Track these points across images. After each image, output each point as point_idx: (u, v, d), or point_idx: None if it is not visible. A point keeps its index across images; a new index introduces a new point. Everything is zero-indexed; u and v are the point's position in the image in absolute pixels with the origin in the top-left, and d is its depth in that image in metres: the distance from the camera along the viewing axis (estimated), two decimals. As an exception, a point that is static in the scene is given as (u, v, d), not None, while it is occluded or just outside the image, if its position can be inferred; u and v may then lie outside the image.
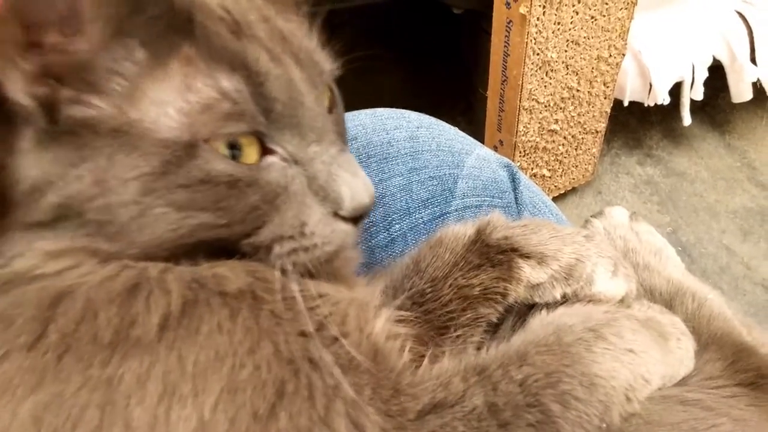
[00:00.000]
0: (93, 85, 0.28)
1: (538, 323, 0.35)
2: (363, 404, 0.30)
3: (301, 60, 0.33)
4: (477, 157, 0.57)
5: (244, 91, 0.29)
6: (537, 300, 0.37)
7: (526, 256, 0.37)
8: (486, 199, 0.55)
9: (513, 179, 0.58)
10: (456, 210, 0.54)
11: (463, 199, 0.55)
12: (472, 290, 0.37)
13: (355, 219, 0.35)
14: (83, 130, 0.28)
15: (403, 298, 0.38)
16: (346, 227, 0.34)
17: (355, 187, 0.34)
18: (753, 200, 1.26)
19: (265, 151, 0.31)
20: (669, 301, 0.47)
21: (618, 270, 0.38)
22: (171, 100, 0.29)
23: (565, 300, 0.38)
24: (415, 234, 0.54)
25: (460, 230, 0.39)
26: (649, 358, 0.34)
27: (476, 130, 1.16)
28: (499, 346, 0.34)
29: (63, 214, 0.29)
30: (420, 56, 1.46)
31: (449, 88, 1.34)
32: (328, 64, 0.35)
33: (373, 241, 0.52)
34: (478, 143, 0.60)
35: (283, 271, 0.33)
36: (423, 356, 0.34)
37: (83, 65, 0.28)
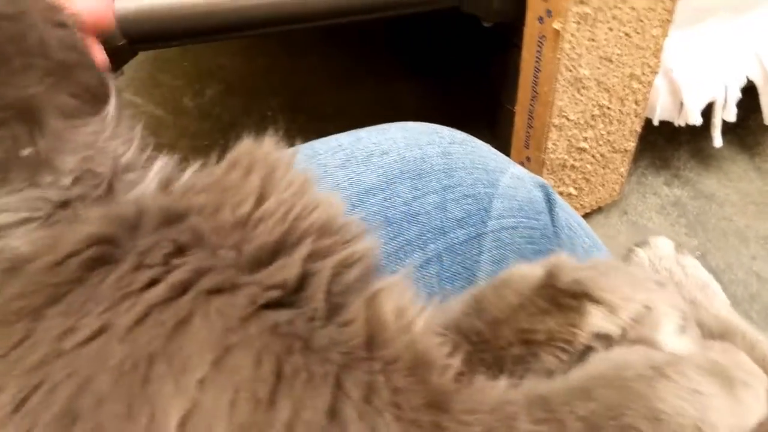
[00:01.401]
0: None
1: (598, 359, 0.33)
2: (378, 407, 0.27)
3: None
4: (511, 176, 0.55)
5: None
6: (600, 348, 0.35)
7: (598, 302, 0.34)
8: (522, 220, 0.53)
9: (548, 200, 0.56)
10: (492, 231, 0.52)
11: (499, 219, 0.53)
12: (536, 335, 0.34)
13: None
14: None
15: (458, 336, 0.35)
16: None
17: None
18: (784, 226, 1.23)
19: None
20: (719, 339, 0.45)
21: (687, 327, 0.35)
22: None
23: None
24: (451, 255, 0.52)
25: (526, 271, 0.37)
26: (716, 403, 0.32)
27: (501, 146, 1.13)
28: (557, 379, 0.31)
29: None
30: (442, 68, 1.45)
31: (472, 101, 1.32)
32: None
33: (407, 260, 0.50)
34: (511, 161, 0.58)
35: None
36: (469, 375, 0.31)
37: None
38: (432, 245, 0.51)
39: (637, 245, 0.52)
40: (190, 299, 0.29)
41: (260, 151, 0.36)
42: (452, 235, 0.51)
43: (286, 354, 0.28)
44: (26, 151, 0.32)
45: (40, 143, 0.32)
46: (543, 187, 0.55)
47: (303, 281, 0.31)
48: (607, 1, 0.83)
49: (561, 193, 1.10)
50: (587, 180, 1.10)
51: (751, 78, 1.12)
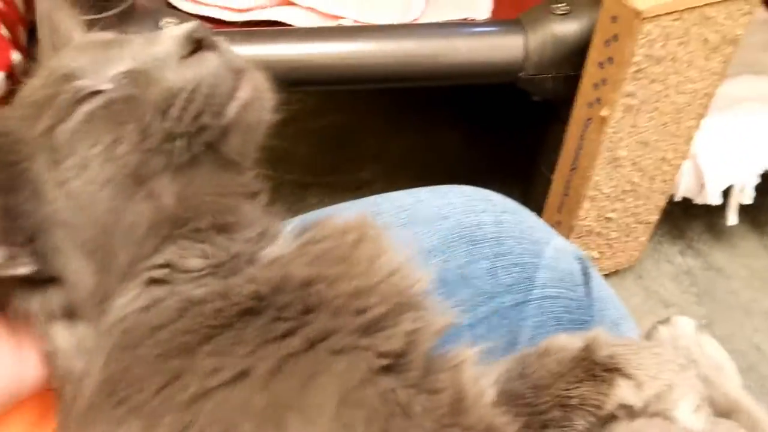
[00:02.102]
0: None
1: (621, 428, 0.40)
2: None
3: None
4: (554, 248, 0.61)
5: None
6: (622, 416, 0.42)
7: (627, 377, 0.41)
8: (562, 290, 0.60)
9: (585, 273, 0.62)
10: (536, 299, 0.59)
11: (542, 289, 0.59)
12: (570, 400, 0.41)
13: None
14: None
15: (507, 401, 0.42)
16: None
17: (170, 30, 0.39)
18: (786, 304, 1.31)
19: None
20: (726, 416, 0.52)
21: (702, 408, 0.43)
22: None
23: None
24: (498, 318, 0.58)
25: (567, 342, 0.44)
26: None
27: (533, 207, 1.21)
28: None
29: None
30: (484, 124, 1.53)
31: (508, 159, 1.41)
32: None
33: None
34: (554, 232, 0.65)
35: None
36: None
37: None
38: (482, 308, 0.57)
39: (660, 323, 0.59)
40: (319, 356, 0.35)
41: (366, 224, 0.44)
42: (500, 300, 0.58)
43: (391, 417, 0.34)
44: (231, 218, 0.41)
45: (239, 214, 0.41)
46: (581, 260, 0.62)
47: (406, 350, 0.38)
48: (652, 95, 0.92)
49: (585, 256, 1.19)
50: (610, 246, 1.19)
51: (769, 167, 1.21)
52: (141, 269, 0.37)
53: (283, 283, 0.38)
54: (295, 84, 0.91)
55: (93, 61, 0.38)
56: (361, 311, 0.38)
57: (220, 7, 0.91)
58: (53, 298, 0.37)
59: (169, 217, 0.37)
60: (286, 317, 0.37)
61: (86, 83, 0.37)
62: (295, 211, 0.48)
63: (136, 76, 0.37)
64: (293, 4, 0.92)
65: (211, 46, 0.39)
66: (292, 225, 0.45)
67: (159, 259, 0.38)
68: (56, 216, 0.36)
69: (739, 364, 1.23)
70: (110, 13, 0.79)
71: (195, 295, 0.37)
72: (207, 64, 0.37)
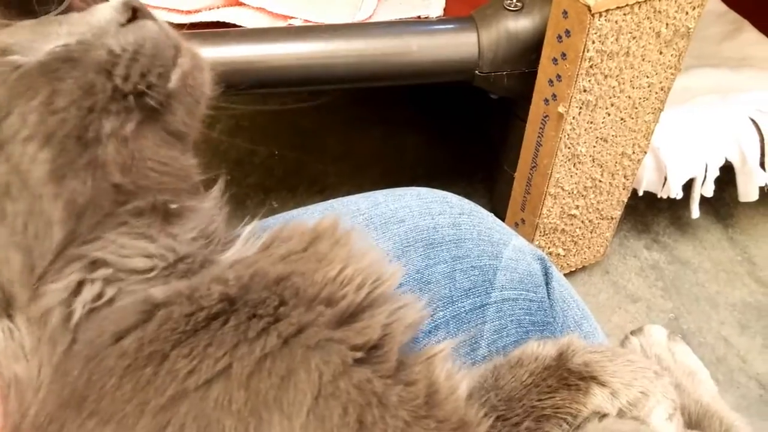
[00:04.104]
0: None
1: (593, 429, 0.40)
2: None
3: None
4: (513, 249, 0.60)
5: None
6: (595, 420, 0.42)
7: (602, 385, 0.41)
8: (522, 292, 0.58)
9: (546, 273, 0.61)
10: (495, 302, 0.57)
11: (501, 291, 0.58)
12: (544, 411, 0.41)
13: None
14: None
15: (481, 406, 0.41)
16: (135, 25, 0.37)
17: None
18: (751, 295, 1.31)
19: None
20: (698, 422, 0.52)
21: (675, 415, 0.42)
22: None
23: None
24: (457, 323, 0.56)
25: (540, 351, 0.43)
26: None
27: (498, 205, 1.21)
28: None
29: None
30: (447, 123, 1.53)
31: (472, 157, 1.40)
32: None
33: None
34: (513, 232, 0.63)
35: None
36: None
37: None
38: (441, 312, 0.56)
39: (632, 333, 0.59)
40: (295, 353, 0.35)
41: (337, 227, 0.43)
42: (459, 304, 0.56)
43: (366, 407, 0.34)
44: (172, 203, 0.39)
45: (181, 203, 0.40)
46: (541, 260, 0.61)
47: (380, 341, 0.38)
48: (607, 90, 0.91)
49: (550, 254, 1.18)
50: (575, 242, 1.18)
51: (729, 159, 1.22)
52: (77, 254, 0.35)
53: (253, 281, 0.37)
54: (245, 87, 0.89)
55: (30, 37, 0.37)
56: (334, 301, 0.38)
57: (168, 9, 0.89)
58: None
59: (111, 189, 0.36)
60: (261, 314, 0.36)
61: (22, 58, 0.36)
62: (255, 215, 0.47)
63: (75, 47, 0.36)
64: (242, 4, 0.90)
65: (149, 16, 0.39)
66: (250, 228, 0.44)
67: (95, 248, 0.36)
68: None
69: (708, 356, 1.24)
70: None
71: (155, 296, 0.36)
72: (148, 28, 0.38)
